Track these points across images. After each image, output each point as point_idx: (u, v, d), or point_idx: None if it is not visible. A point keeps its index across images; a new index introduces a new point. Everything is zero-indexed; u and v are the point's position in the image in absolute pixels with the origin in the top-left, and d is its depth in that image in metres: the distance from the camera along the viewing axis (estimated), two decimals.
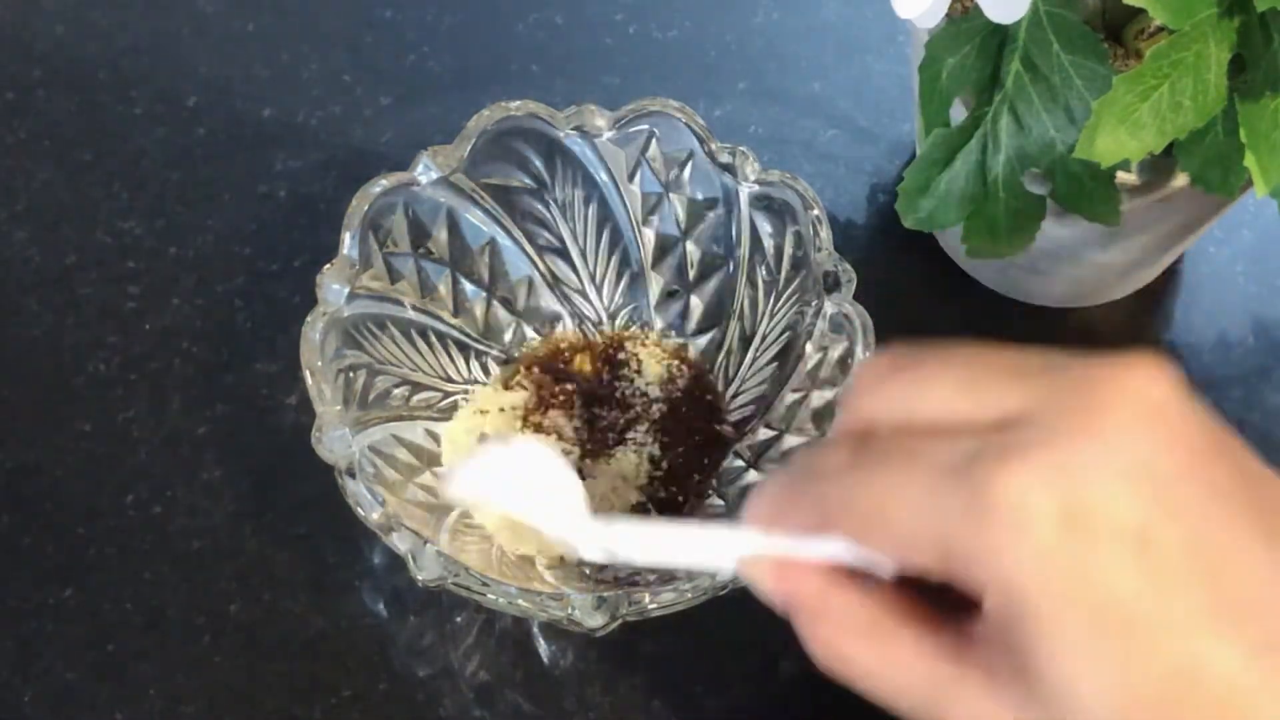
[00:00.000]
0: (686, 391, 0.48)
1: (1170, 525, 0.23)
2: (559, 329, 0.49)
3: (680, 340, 0.49)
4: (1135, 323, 0.52)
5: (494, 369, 0.48)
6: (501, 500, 0.31)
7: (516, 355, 0.49)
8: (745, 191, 0.45)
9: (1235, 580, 0.23)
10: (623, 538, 0.30)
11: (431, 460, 0.45)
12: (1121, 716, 0.23)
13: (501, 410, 0.48)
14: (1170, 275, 0.53)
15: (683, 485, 0.46)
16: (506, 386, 0.48)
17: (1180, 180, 0.42)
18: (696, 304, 0.48)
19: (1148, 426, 0.23)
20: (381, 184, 0.44)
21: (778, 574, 0.28)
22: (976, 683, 0.26)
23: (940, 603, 0.27)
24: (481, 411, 0.47)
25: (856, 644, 0.27)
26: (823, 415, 0.42)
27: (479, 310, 0.48)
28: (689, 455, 0.47)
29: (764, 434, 0.45)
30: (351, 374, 0.43)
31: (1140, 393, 0.24)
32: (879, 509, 0.25)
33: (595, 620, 0.38)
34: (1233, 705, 0.23)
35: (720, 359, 0.48)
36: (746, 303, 0.47)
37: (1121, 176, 0.41)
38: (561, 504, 0.31)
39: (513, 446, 0.32)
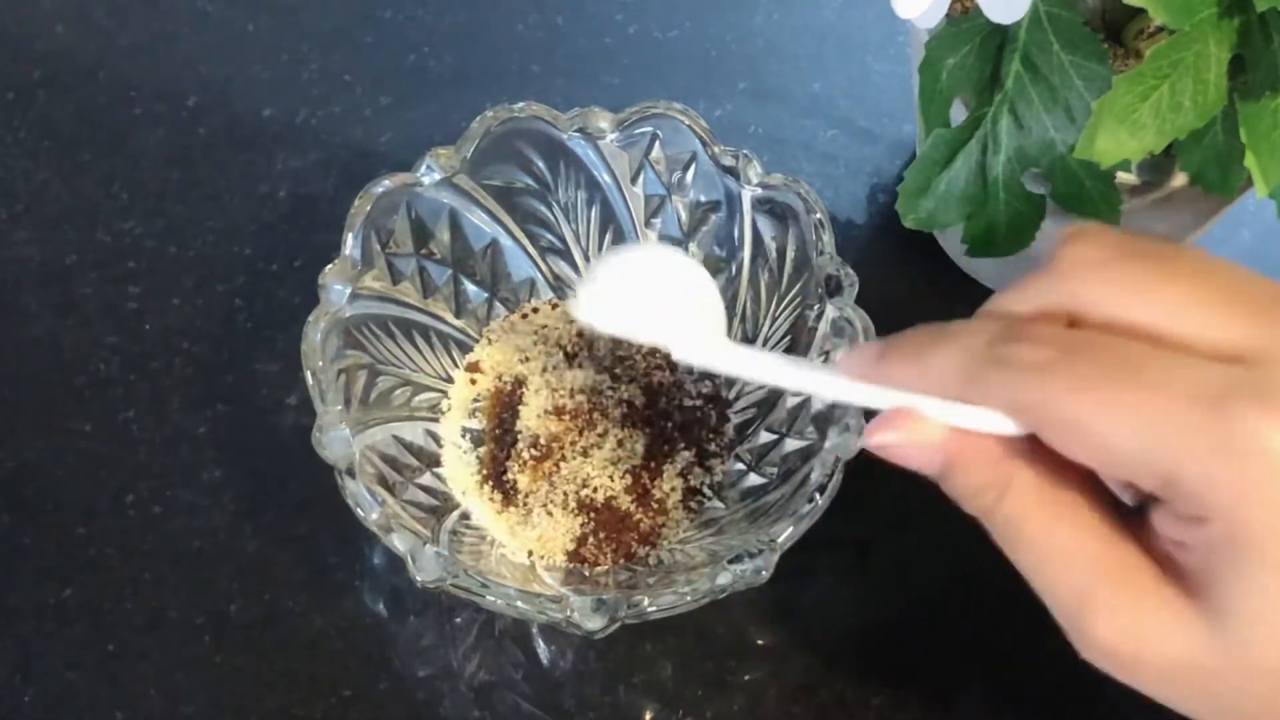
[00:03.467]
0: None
1: None
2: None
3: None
4: None
5: None
6: (633, 318, 0.30)
7: None
8: (748, 194, 0.45)
9: None
10: (765, 366, 0.29)
11: (431, 460, 0.45)
12: None
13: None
14: None
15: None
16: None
17: (1180, 180, 0.42)
18: None
19: None
20: (384, 184, 0.44)
21: (953, 441, 0.27)
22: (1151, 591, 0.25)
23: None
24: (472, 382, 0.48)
25: (1044, 523, 0.27)
26: (824, 419, 0.42)
27: (481, 311, 0.48)
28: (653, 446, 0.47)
29: (765, 437, 0.45)
30: (352, 374, 0.43)
31: None
32: (1093, 422, 0.24)
33: (594, 623, 0.38)
34: None
35: None
36: (749, 305, 0.47)
37: (1121, 176, 0.41)
38: (698, 324, 0.30)
39: (644, 254, 0.30)
